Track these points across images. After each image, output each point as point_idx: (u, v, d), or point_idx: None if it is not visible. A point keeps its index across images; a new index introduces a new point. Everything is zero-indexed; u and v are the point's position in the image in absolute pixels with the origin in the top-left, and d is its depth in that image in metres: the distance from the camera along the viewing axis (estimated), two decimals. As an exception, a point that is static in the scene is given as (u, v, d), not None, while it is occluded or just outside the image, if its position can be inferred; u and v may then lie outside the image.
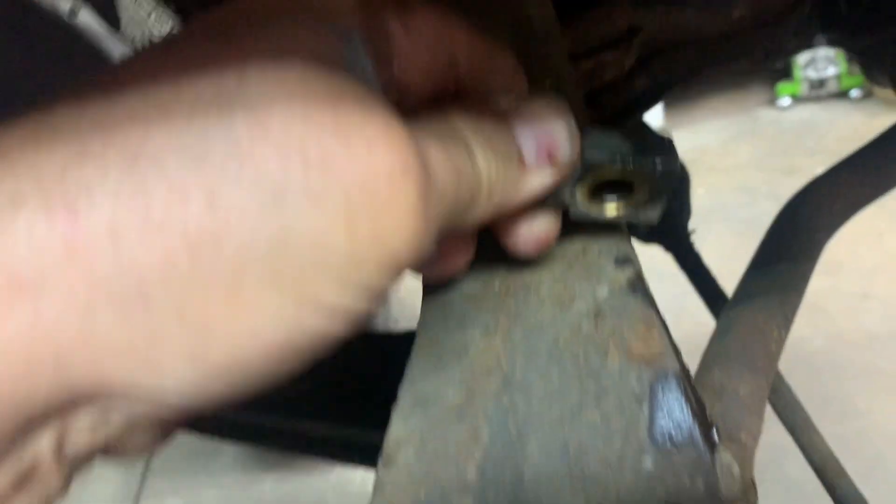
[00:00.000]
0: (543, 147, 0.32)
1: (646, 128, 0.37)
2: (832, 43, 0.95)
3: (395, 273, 0.27)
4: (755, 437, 0.61)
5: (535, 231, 0.36)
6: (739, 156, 4.23)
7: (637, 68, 0.72)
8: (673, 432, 0.33)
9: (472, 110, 0.32)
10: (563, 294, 0.38)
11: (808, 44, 0.76)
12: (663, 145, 0.35)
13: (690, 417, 0.34)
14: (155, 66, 0.24)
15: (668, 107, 4.63)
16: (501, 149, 0.31)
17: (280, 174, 0.22)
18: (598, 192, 0.37)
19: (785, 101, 4.64)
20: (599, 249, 0.39)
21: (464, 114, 0.31)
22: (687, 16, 0.72)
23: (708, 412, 0.35)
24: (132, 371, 0.22)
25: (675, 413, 0.34)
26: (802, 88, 4.59)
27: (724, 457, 0.57)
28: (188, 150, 0.21)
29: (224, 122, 0.22)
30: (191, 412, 0.26)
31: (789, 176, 0.93)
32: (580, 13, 0.54)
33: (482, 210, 0.31)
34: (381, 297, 0.27)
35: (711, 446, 0.34)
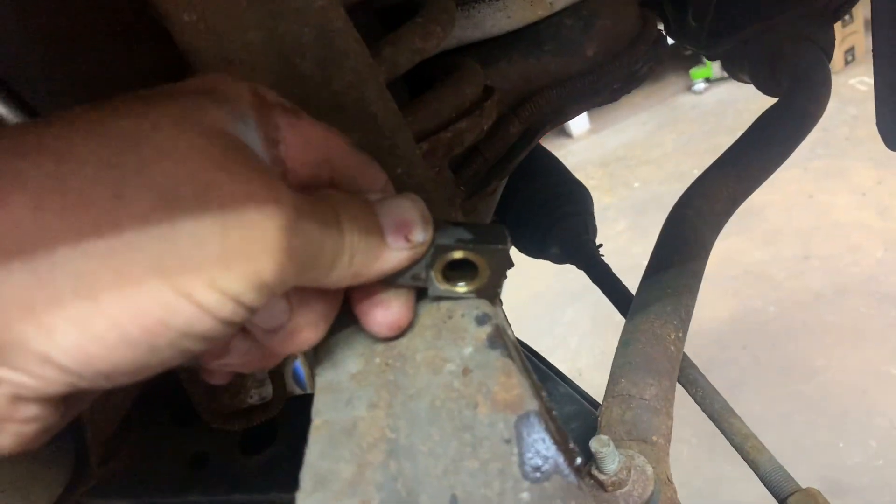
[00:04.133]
0: (401, 229, 0.41)
1: (488, 224, 0.44)
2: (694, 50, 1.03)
3: (258, 291, 0.33)
4: (666, 437, 0.67)
5: (389, 316, 0.43)
6: (665, 145, 4.38)
7: (509, 116, 0.79)
8: (541, 465, 0.39)
9: (346, 196, 0.40)
10: (435, 358, 0.43)
11: (657, 66, 0.84)
12: (499, 234, 0.44)
13: (554, 449, 0.39)
14: (96, 114, 0.31)
15: (590, 110, 4.76)
16: (365, 225, 0.39)
17: (173, 184, 0.30)
18: (452, 274, 0.45)
19: (700, 85, 4.82)
20: (463, 312, 0.44)
21: (338, 196, 0.39)
22: (544, 62, 0.79)
23: (571, 443, 0.41)
24: (25, 330, 0.28)
25: (540, 448, 0.39)
26: (715, 70, 4.77)
27: (637, 459, 0.63)
28: (104, 160, 0.29)
29: (135, 146, 0.30)
30: (73, 392, 0.31)
31: (715, 155, 1.00)
32: (431, 90, 0.60)
33: (344, 270, 0.38)
34: (243, 311, 0.33)
35: (577, 471, 0.39)
